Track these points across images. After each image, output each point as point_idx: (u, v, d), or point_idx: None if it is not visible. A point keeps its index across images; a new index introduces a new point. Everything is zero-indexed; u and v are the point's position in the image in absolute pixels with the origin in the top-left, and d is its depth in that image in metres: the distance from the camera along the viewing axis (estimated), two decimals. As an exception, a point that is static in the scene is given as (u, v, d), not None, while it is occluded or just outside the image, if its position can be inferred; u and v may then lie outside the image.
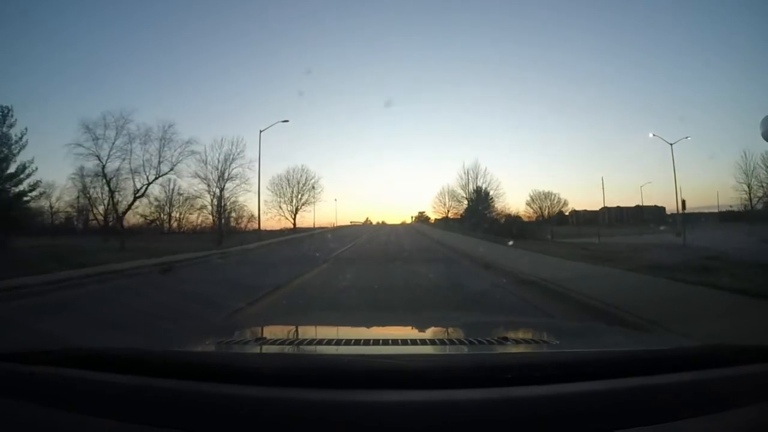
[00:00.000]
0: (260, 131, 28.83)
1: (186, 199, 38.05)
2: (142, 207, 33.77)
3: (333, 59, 71.10)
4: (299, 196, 49.04)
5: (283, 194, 48.56)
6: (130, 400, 0.93)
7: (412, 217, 76.22)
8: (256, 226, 42.16)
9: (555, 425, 0.84)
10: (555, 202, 54.03)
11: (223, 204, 33.76)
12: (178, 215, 41.67)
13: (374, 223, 72.78)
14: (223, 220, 37.10)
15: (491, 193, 46.19)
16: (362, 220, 73.11)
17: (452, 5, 60.60)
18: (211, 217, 37.08)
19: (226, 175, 33.19)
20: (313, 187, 49.66)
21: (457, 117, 77.67)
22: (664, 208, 50.47)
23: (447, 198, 55.15)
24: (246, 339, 1.60)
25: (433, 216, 60.45)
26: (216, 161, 32.94)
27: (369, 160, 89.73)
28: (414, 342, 1.39)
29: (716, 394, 0.95)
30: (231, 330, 1.92)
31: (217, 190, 33.39)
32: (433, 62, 74.01)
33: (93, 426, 0.89)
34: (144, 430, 0.86)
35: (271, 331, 1.73)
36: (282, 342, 1.45)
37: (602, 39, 61.84)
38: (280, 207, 48.81)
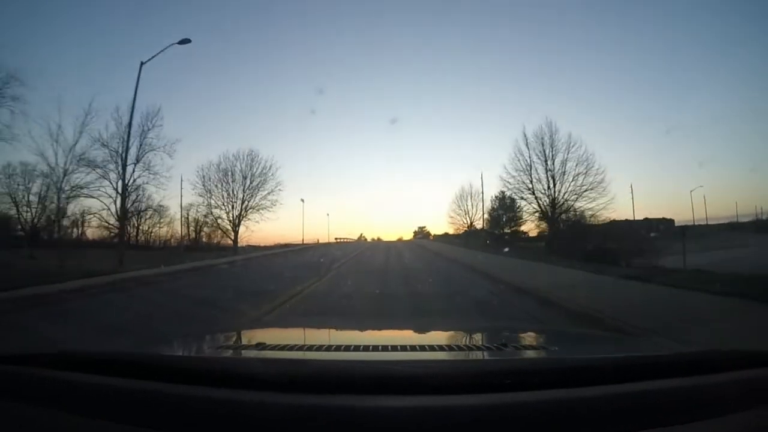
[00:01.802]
0: (141, 63, 17.72)
1: (154, 210, 31.94)
2: (107, 218, 26.92)
3: (330, 74, 70.76)
4: (244, 198, 31.49)
5: (218, 194, 31.77)
6: (125, 403, 0.93)
7: (414, 233, 73.84)
8: (229, 242, 32.62)
9: (554, 430, 0.85)
10: (571, 214, 47.45)
11: (126, 204, 22.88)
12: (147, 227, 35.68)
13: (369, 239, 69.46)
14: (197, 233, 31.62)
15: (588, 181, 25.11)
16: (356, 236, 69.28)
17: (455, 13, 61.30)
18: (182, 229, 31.74)
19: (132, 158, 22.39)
20: (280, 194, 31.96)
21: (459, 130, 77.60)
22: (672, 221, 49.87)
23: (469, 202, 39.52)
24: (245, 344, 1.59)
25: (447, 230, 51.40)
26: (120, 137, 21.56)
27: (366, 176, 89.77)
28: (413, 348, 1.40)
29: (714, 399, 0.95)
30: (231, 335, 1.95)
31: (118, 179, 21.98)
32: (434, 76, 74.98)
33: (88, 428, 0.89)
34: None
35: (271, 336, 1.75)
36: (282, 347, 1.45)
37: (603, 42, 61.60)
38: (210, 212, 32.40)
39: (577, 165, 25.85)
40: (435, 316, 6.65)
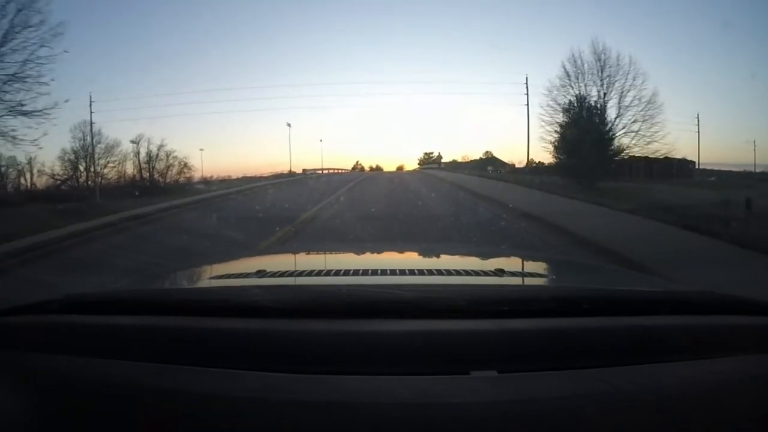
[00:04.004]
0: None
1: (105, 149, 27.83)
2: (51, 164, 23.62)
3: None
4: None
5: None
6: (133, 340, 0.95)
7: (419, 161, 64.27)
8: (192, 177, 30.04)
9: (547, 356, 0.86)
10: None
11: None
12: (101, 169, 29.76)
13: (366, 169, 59.81)
14: (150, 171, 26.44)
15: None
16: (350, 165, 59.85)
17: None
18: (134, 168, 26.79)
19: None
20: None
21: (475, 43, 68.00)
22: (693, 162, 47.15)
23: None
24: (246, 272, 1.59)
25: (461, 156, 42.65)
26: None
27: (365, 100, 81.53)
28: (412, 272, 1.38)
29: (712, 340, 0.95)
30: (231, 264, 1.96)
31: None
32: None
33: (98, 366, 0.90)
34: (149, 368, 0.87)
35: (271, 263, 1.73)
36: (282, 274, 1.44)
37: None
38: None
39: None
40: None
